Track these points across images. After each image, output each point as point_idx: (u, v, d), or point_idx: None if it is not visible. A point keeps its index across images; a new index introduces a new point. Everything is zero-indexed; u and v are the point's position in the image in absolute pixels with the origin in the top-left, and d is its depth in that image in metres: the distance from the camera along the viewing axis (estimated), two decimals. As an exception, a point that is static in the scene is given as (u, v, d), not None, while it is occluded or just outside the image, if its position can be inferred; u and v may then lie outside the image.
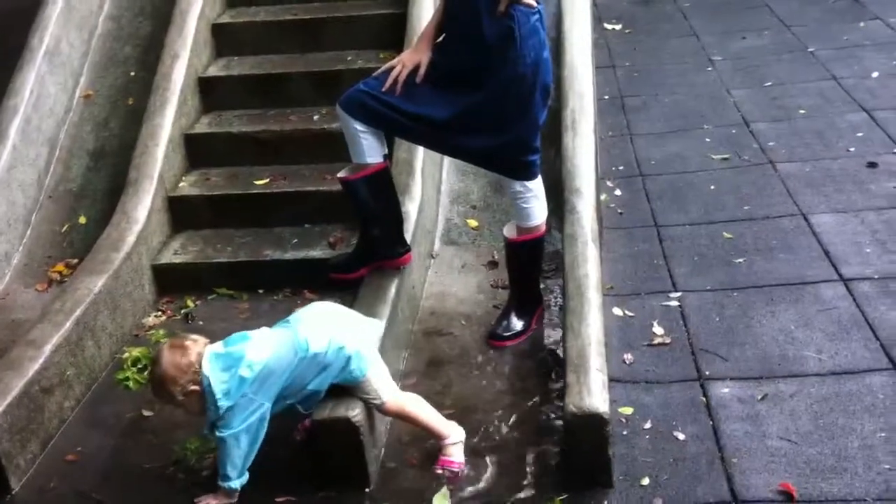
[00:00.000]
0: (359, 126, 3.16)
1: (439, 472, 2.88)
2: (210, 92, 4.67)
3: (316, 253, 3.93)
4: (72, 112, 4.72)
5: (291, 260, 3.94)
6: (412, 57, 3.14)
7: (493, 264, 3.99)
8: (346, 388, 2.83)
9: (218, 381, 2.68)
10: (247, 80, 4.68)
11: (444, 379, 3.33)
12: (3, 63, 4.75)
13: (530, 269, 3.51)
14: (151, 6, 5.17)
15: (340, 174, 3.32)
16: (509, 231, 3.42)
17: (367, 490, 2.85)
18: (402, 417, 2.91)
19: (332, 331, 2.78)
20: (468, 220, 4.26)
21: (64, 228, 4.29)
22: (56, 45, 4.69)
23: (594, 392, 2.76)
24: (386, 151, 3.29)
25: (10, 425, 2.95)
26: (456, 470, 2.87)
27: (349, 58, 4.71)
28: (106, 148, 4.59)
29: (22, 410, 3.01)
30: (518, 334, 3.48)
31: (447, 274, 3.98)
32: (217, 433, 2.74)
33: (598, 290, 3.29)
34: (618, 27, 6.88)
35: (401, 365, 3.39)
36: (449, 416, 2.97)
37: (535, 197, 3.30)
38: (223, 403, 2.69)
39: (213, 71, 4.76)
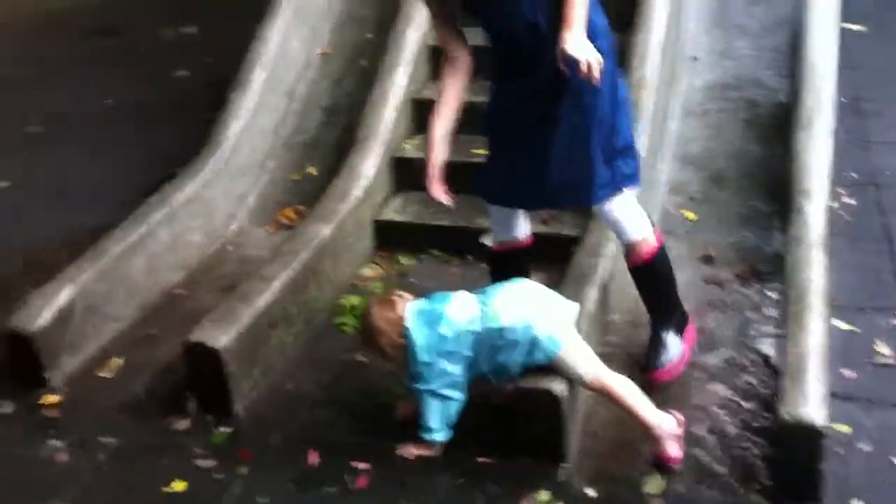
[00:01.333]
0: (492, 208, 3.16)
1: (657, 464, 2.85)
2: (440, 59, 4.76)
3: (529, 227, 3.97)
4: (310, 67, 4.96)
5: (504, 231, 3.99)
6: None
7: (707, 259, 3.89)
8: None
9: (419, 335, 2.80)
10: (476, 51, 4.72)
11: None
12: (245, 18, 5.06)
13: (662, 288, 3.22)
14: (393, -29, 5.34)
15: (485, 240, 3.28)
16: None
17: (563, 465, 2.88)
18: (607, 396, 2.89)
19: (524, 309, 2.81)
20: (684, 212, 4.17)
21: (295, 176, 4.55)
22: (301, 2, 4.94)
23: (811, 402, 2.66)
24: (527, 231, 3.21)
25: (238, 352, 3.17)
26: (674, 466, 2.83)
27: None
28: (338, 104, 4.81)
29: (249, 340, 3.23)
30: (677, 362, 3.21)
31: (657, 264, 3.92)
32: (416, 386, 2.86)
33: (821, 297, 3.16)
34: (859, 28, 6.47)
35: (601, 352, 3.37)
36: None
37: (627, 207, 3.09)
38: (422, 358, 2.80)
39: (446, 38, 4.85)
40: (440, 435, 2.89)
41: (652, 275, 3.16)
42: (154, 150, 5.31)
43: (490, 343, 2.81)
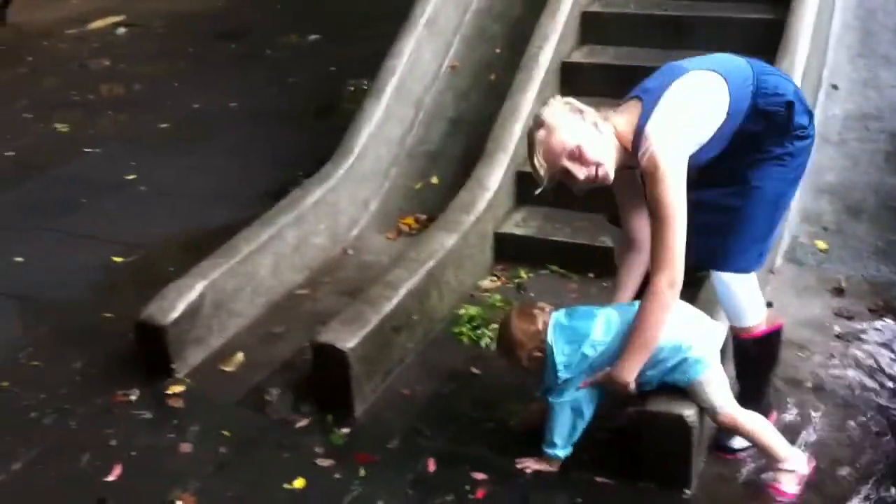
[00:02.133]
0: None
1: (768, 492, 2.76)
2: (570, 78, 4.76)
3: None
4: (438, 79, 5.01)
5: (627, 252, 3.94)
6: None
7: (838, 291, 3.77)
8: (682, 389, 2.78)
9: (561, 352, 2.75)
10: (607, 69, 4.71)
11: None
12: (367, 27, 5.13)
13: (759, 371, 2.98)
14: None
15: None
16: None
17: (686, 491, 2.80)
18: (737, 432, 2.81)
19: (679, 329, 2.68)
20: (816, 242, 4.04)
21: (417, 185, 4.59)
22: (435, 16, 5.01)
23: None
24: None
25: (364, 355, 3.20)
26: (785, 501, 2.74)
27: (713, 59, 4.61)
28: (463, 117, 4.84)
29: (374, 343, 3.26)
30: (746, 450, 2.93)
31: (785, 294, 3.80)
32: (549, 398, 2.81)
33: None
34: None
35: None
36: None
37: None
38: (562, 375, 2.75)
39: (577, 57, 4.86)
40: (563, 451, 2.85)
41: (754, 353, 2.89)
42: (273, 153, 5.45)
43: None
